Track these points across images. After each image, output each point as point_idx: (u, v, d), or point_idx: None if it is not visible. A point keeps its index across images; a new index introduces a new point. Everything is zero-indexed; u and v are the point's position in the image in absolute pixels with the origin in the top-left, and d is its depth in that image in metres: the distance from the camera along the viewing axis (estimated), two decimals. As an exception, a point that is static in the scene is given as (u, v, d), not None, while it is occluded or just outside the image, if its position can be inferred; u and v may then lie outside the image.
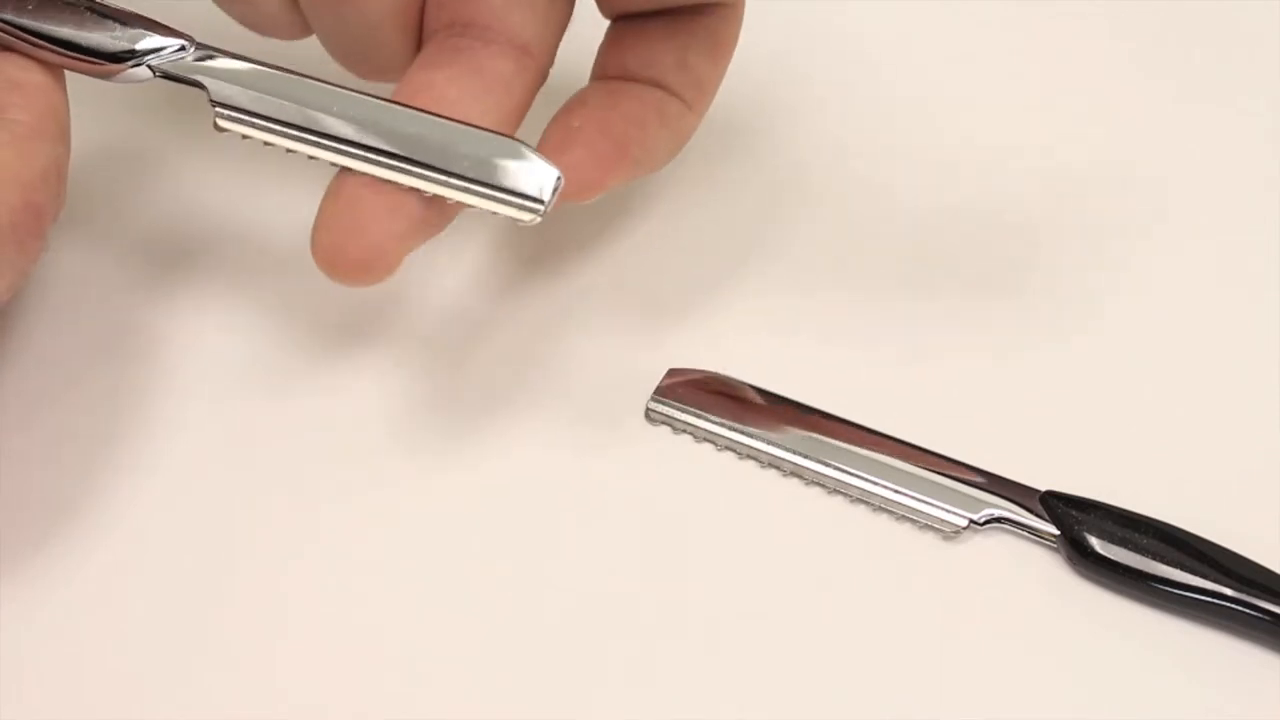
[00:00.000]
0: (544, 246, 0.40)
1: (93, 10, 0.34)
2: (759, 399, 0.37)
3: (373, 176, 0.33)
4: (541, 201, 0.33)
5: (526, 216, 0.33)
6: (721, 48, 0.37)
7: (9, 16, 0.34)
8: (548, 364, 0.37)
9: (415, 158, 0.33)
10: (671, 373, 0.37)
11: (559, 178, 0.33)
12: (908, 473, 0.36)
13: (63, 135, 0.34)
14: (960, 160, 0.43)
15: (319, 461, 0.36)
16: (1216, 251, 0.41)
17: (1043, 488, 0.36)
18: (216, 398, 0.37)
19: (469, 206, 0.33)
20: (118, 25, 0.34)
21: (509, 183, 0.33)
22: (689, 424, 0.37)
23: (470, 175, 0.33)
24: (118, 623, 0.33)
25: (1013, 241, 0.41)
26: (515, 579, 0.34)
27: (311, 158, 0.34)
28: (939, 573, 0.35)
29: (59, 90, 0.34)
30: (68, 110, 0.34)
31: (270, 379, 0.37)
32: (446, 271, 0.39)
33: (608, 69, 0.37)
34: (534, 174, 0.33)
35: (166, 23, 0.34)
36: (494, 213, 0.33)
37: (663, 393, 0.37)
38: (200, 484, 0.35)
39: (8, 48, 0.34)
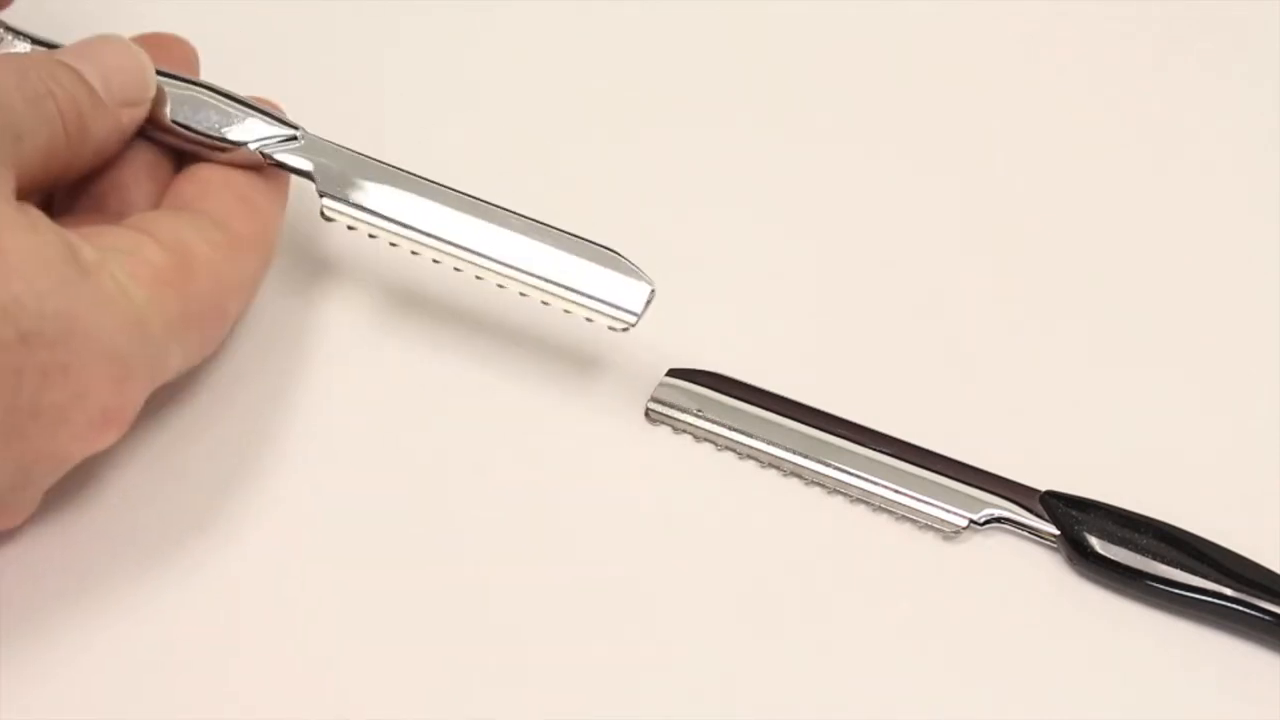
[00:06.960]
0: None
1: (209, 93, 0.35)
2: (759, 399, 0.37)
3: None
4: (634, 314, 0.34)
5: (619, 326, 0.35)
6: None
7: None
8: (548, 363, 0.37)
9: (519, 265, 0.35)
10: (671, 373, 0.37)
11: (652, 290, 0.34)
12: (908, 473, 0.36)
13: (269, 253, 0.35)
14: (961, 163, 0.43)
15: (321, 463, 0.36)
16: (1216, 253, 0.41)
17: (1043, 488, 0.36)
18: (223, 394, 0.37)
19: (566, 311, 0.35)
20: (231, 109, 0.35)
21: (607, 295, 0.34)
22: (689, 424, 0.37)
23: (571, 285, 0.35)
24: (114, 621, 0.33)
25: (1011, 244, 0.41)
26: (515, 578, 0.34)
27: (414, 253, 0.35)
28: (939, 573, 0.35)
29: (278, 213, 0.35)
30: (280, 230, 0.35)
31: (278, 380, 0.37)
32: (446, 272, 0.39)
33: None
34: (630, 288, 0.35)
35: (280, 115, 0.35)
36: (588, 319, 0.35)
37: (663, 393, 0.37)
38: (206, 480, 0.35)
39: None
